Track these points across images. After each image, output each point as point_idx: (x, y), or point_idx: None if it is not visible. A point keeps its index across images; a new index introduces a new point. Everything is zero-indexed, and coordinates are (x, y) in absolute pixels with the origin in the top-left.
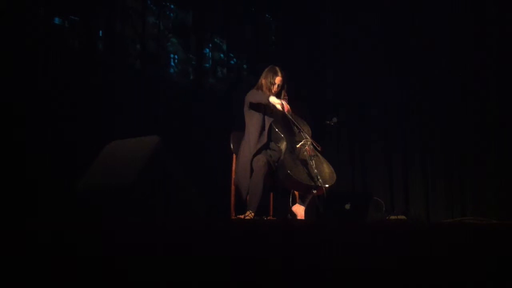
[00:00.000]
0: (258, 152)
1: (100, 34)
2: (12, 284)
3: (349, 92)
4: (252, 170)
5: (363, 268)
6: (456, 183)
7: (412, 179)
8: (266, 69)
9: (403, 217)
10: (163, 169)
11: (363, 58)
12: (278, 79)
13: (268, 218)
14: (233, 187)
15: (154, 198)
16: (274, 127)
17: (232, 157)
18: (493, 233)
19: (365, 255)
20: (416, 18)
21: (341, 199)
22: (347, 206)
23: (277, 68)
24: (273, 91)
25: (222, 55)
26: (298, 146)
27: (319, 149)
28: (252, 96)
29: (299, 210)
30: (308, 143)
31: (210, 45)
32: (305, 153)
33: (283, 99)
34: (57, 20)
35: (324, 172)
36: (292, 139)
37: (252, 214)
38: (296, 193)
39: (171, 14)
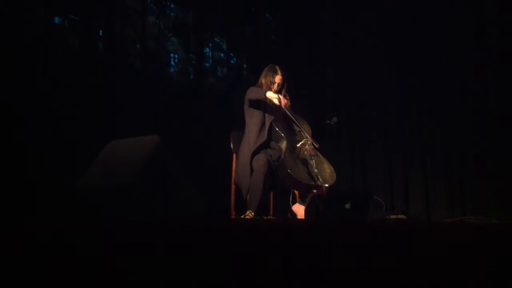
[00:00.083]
0: (258, 151)
1: (100, 34)
2: (12, 284)
3: (349, 92)
4: (252, 169)
5: (363, 267)
6: (456, 183)
7: (412, 179)
8: (266, 68)
9: (403, 216)
10: (163, 169)
11: (363, 58)
12: (278, 78)
13: (268, 217)
14: (233, 187)
15: (154, 197)
16: (275, 126)
17: (232, 157)
18: (493, 232)
19: (365, 255)
20: (416, 18)
21: (341, 199)
22: (347, 206)
23: (277, 67)
24: (273, 90)
25: (222, 55)
26: (298, 145)
27: (317, 146)
28: (251, 93)
29: (299, 210)
30: (309, 142)
31: (210, 44)
32: (305, 152)
33: (287, 99)
34: (57, 20)
35: (324, 172)
36: (293, 138)
37: (252, 213)
38: (296, 192)
39: (171, 14)
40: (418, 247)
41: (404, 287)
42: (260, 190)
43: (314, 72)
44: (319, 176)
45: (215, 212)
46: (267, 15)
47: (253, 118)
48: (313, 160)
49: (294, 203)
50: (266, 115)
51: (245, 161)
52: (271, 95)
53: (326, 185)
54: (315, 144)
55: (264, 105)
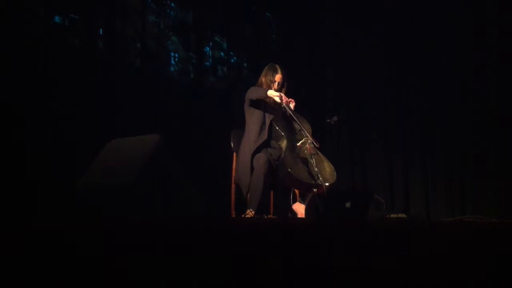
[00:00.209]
0: (258, 150)
1: (101, 33)
2: (12, 284)
3: (349, 91)
4: (252, 168)
5: (363, 266)
6: (456, 183)
7: (412, 179)
8: (266, 67)
9: (403, 215)
10: (163, 168)
11: (363, 58)
12: (278, 77)
13: (269, 216)
14: (233, 186)
15: (154, 197)
16: (275, 125)
17: (232, 156)
18: (493, 231)
19: (365, 254)
20: (416, 18)
21: (342, 198)
22: (348, 205)
23: (277, 66)
24: (273, 89)
25: (222, 54)
26: (298, 144)
27: (317, 145)
28: (252, 92)
29: (299, 209)
30: (309, 141)
31: (211, 43)
32: (306, 151)
33: (291, 100)
34: (57, 19)
35: (325, 171)
36: (293, 137)
37: (253, 212)
38: (297, 191)
39: (172, 13)
40: (418, 247)
41: (404, 286)
42: (260, 189)
43: (314, 71)
44: (319, 175)
45: (215, 212)
46: (267, 14)
47: (253, 117)
48: (313, 159)
49: (294, 202)
50: (267, 114)
51: (246, 160)
52: (272, 93)
53: (327, 184)
54: (315, 143)
55: (265, 105)
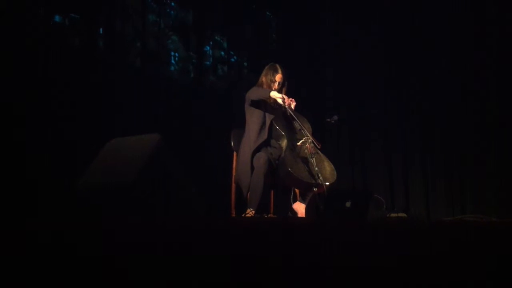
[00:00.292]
0: (258, 149)
1: (101, 32)
2: (12, 284)
3: (349, 91)
4: (252, 168)
5: (363, 266)
6: (456, 183)
7: (412, 179)
8: (267, 67)
9: (403, 214)
10: (164, 168)
11: (363, 58)
12: (278, 77)
13: (269, 216)
14: (233, 185)
15: (154, 197)
16: (275, 124)
17: (232, 155)
18: (493, 231)
19: (365, 254)
20: (416, 18)
21: (342, 197)
22: (348, 204)
23: (278, 66)
24: (273, 88)
25: (222, 53)
26: (298, 144)
27: (318, 146)
28: (253, 93)
29: (299, 208)
30: (309, 140)
31: (211, 42)
32: (306, 150)
33: (291, 100)
34: (57, 18)
35: (325, 170)
36: (293, 137)
37: (253, 212)
38: (297, 191)
39: (172, 12)
40: (418, 246)
41: (404, 286)
42: (260, 188)
43: (315, 71)
44: (319, 175)
45: (215, 212)
46: (267, 13)
47: (253, 117)
48: (314, 159)
49: (294, 201)
50: (267, 114)
51: (246, 160)
52: (275, 94)
53: (327, 183)
54: (316, 144)
55: (265, 104)
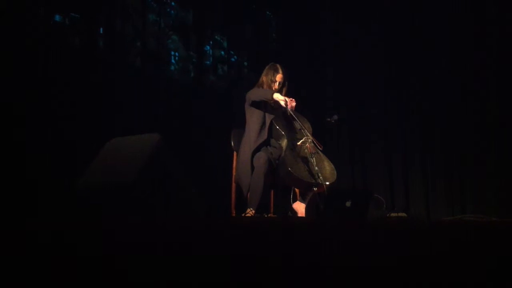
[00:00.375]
0: (258, 149)
1: (101, 32)
2: (12, 284)
3: (349, 91)
4: (253, 168)
5: (363, 266)
6: (456, 183)
7: (412, 179)
8: (267, 67)
9: (403, 214)
10: (164, 168)
11: (363, 57)
12: (279, 77)
13: (269, 215)
14: (233, 185)
15: (154, 197)
16: (275, 124)
17: (232, 155)
18: (493, 231)
19: (365, 253)
20: (416, 18)
21: (342, 197)
22: (348, 204)
23: (278, 66)
24: (273, 88)
25: (222, 53)
26: (298, 143)
27: (320, 148)
28: (255, 93)
29: (299, 208)
30: (309, 140)
31: (211, 42)
32: (306, 150)
33: (291, 99)
34: (57, 18)
35: (325, 170)
36: (293, 136)
37: (253, 211)
38: (297, 190)
39: (172, 12)
40: (418, 246)
41: (404, 286)
42: (260, 188)
43: (315, 70)
44: (319, 174)
45: (215, 212)
46: (267, 13)
47: (253, 117)
48: (314, 158)
49: (294, 201)
50: (267, 114)
51: (246, 160)
52: (278, 97)
53: (327, 183)
54: (318, 146)
55: (265, 104)
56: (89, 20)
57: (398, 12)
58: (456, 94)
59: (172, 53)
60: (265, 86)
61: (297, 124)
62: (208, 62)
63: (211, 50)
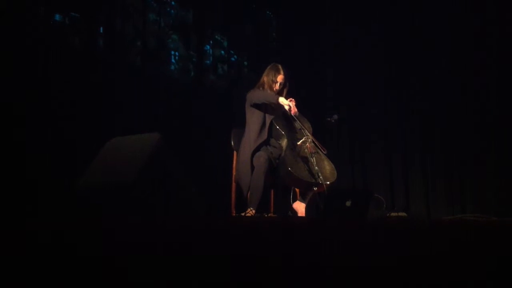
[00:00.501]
0: (258, 149)
1: (101, 31)
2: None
3: (349, 91)
4: (253, 167)
5: (363, 266)
6: (456, 183)
7: (412, 179)
8: (269, 67)
9: (403, 214)
10: (164, 168)
11: (363, 57)
12: (280, 78)
13: (269, 215)
14: (233, 185)
15: (154, 196)
16: (275, 124)
17: (232, 155)
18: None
19: (365, 253)
20: (416, 18)
21: (342, 196)
22: (348, 203)
23: (280, 66)
24: (274, 89)
25: (222, 52)
26: (299, 143)
27: (324, 152)
28: (259, 95)
29: (299, 207)
30: (309, 140)
31: (211, 41)
32: (306, 150)
33: (290, 99)
34: (57, 17)
35: (325, 169)
36: (293, 136)
37: (253, 211)
38: (297, 190)
39: (172, 11)
40: (418, 246)
41: (404, 286)
42: (260, 188)
43: (315, 70)
44: (319, 174)
45: (215, 211)
46: (267, 12)
47: (254, 117)
48: (314, 158)
49: (294, 201)
50: (267, 114)
51: (246, 159)
52: (283, 101)
53: (327, 182)
54: (322, 150)
55: (265, 105)
56: (89, 20)
57: (398, 12)
58: (456, 94)
59: (172, 52)
60: (266, 87)
61: (297, 124)
62: (208, 62)
63: (211, 50)
